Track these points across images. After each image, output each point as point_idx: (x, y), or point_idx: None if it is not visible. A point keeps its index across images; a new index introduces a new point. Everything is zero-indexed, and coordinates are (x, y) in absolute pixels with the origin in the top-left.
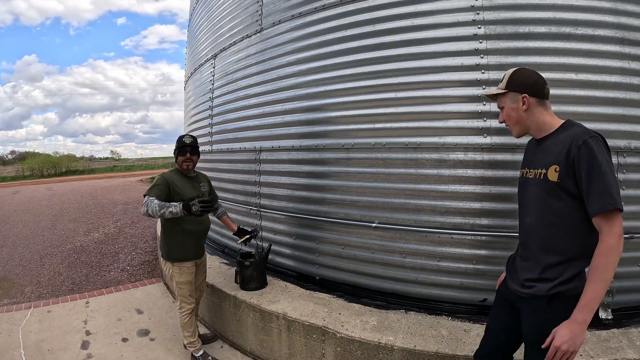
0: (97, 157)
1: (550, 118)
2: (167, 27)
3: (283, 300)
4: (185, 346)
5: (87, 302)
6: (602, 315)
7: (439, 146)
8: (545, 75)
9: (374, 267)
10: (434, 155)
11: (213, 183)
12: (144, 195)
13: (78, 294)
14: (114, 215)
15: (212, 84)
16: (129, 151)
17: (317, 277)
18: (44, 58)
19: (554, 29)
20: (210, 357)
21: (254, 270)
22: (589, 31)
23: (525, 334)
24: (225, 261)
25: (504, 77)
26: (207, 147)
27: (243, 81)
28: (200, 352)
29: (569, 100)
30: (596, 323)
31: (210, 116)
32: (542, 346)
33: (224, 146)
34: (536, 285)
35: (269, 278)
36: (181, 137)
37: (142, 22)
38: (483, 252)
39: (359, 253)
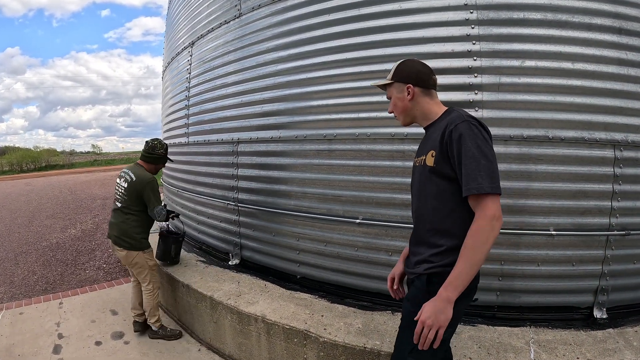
0: (78, 151)
1: (437, 107)
2: (151, 19)
3: (262, 301)
4: (152, 329)
5: (60, 303)
6: (597, 314)
7: None
8: (540, 63)
9: (358, 266)
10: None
11: (189, 177)
12: (156, 207)
13: (52, 294)
14: (92, 211)
15: (189, 73)
16: (111, 145)
17: (298, 276)
18: (26, 50)
19: (549, 16)
20: (168, 328)
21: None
22: (586, 19)
23: (403, 313)
24: (202, 259)
25: (392, 68)
26: (183, 139)
27: (221, 69)
28: (161, 326)
29: (565, 90)
30: (591, 323)
31: (187, 106)
32: (415, 318)
33: (200, 138)
34: (420, 265)
35: (248, 276)
36: (167, 147)
37: (127, 14)
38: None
39: (342, 251)
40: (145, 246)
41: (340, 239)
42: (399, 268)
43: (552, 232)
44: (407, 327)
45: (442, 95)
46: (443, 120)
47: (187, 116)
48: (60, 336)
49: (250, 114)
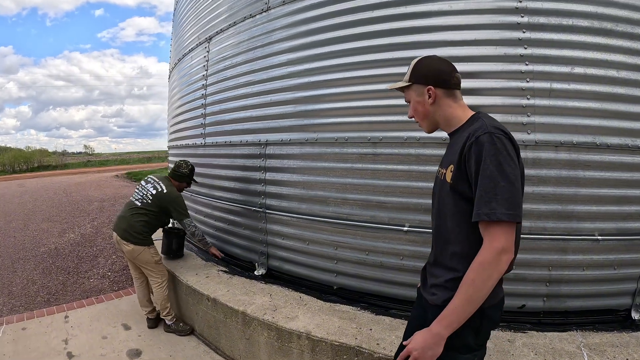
0: (70, 151)
1: (461, 111)
2: (145, 19)
3: (302, 315)
4: (166, 323)
5: (66, 317)
6: (635, 316)
7: None
8: (589, 70)
9: (403, 275)
10: None
11: (206, 180)
12: (183, 220)
13: (55, 306)
14: (90, 214)
15: (206, 70)
16: (103, 145)
17: (335, 287)
18: (19, 50)
19: (596, 24)
20: (181, 322)
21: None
22: (629, 28)
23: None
24: (223, 268)
25: (408, 68)
26: (199, 141)
27: (245, 66)
28: (175, 320)
29: (611, 98)
30: (629, 324)
31: (204, 105)
32: (404, 343)
33: (220, 139)
34: (437, 293)
35: (279, 288)
36: (194, 168)
37: (120, 14)
38: (525, 255)
39: (386, 260)
40: (149, 242)
41: (385, 247)
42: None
43: (598, 237)
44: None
45: (494, 100)
46: (467, 129)
47: (204, 116)
48: (70, 355)
49: (281, 114)
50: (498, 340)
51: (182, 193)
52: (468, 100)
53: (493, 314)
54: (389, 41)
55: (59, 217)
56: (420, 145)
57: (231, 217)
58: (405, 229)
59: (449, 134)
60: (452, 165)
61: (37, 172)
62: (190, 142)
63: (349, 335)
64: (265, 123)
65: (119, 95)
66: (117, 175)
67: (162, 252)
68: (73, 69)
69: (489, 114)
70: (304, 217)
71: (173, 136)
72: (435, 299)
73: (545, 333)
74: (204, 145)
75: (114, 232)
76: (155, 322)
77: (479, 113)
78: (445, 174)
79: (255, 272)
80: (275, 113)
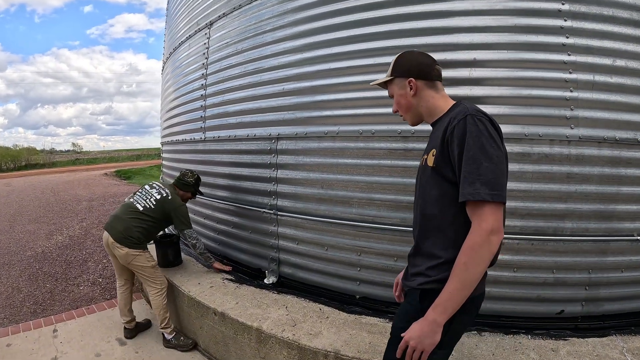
0: (58, 149)
1: (443, 101)
2: (135, 15)
3: (325, 330)
4: (165, 337)
5: (54, 330)
6: None
7: (522, 137)
8: (630, 63)
9: None
10: (517, 148)
11: (207, 179)
12: (184, 230)
13: (43, 318)
14: (79, 214)
15: (206, 58)
16: (91, 143)
17: (358, 297)
18: (7, 46)
19: (635, 16)
20: (182, 336)
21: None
22: None
23: (392, 326)
24: (228, 277)
25: (390, 63)
26: (198, 135)
27: (253, 52)
28: (175, 333)
29: None
30: None
31: (204, 97)
32: (402, 334)
33: (223, 133)
34: (416, 278)
35: (294, 298)
36: (199, 178)
37: (110, 10)
38: (565, 258)
39: None
40: (145, 246)
41: None
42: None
43: (637, 237)
44: (393, 343)
45: (537, 92)
46: (448, 115)
47: (204, 108)
48: None
49: (296, 104)
50: (542, 350)
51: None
52: (512, 91)
53: (478, 304)
54: (429, 24)
55: (46, 217)
56: None
57: (236, 220)
58: None
59: (431, 124)
60: (434, 150)
61: (25, 170)
62: (187, 137)
63: (382, 353)
64: (277, 115)
65: (107, 92)
66: (106, 174)
67: (159, 265)
68: (61, 66)
69: (532, 106)
70: (322, 219)
71: (167, 131)
72: (411, 283)
73: (587, 339)
74: (204, 141)
75: (105, 232)
76: (132, 332)
77: (461, 101)
78: (427, 159)
79: (265, 281)
80: (288, 104)
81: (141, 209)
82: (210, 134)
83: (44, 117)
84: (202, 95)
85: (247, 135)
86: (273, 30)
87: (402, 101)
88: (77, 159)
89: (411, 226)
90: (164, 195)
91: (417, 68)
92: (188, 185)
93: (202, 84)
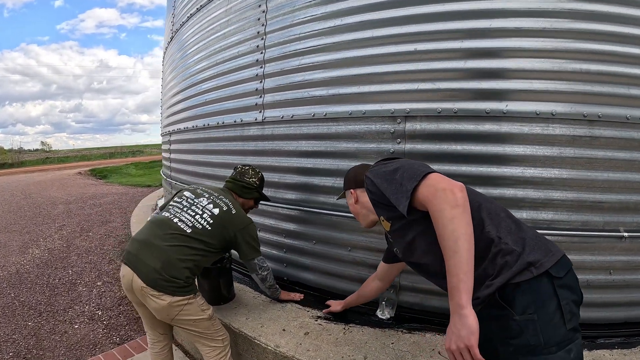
0: (26, 149)
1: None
2: (106, 10)
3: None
4: None
5: None
6: None
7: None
8: None
9: (611, 293)
10: None
11: (271, 176)
12: (255, 259)
13: None
14: (56, 220)
15: (264, 12)
16: (60, 142)
17: None
18: None
19: None
20: None
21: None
22: None
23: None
24: (317, 313)
25: None
26: (250, 116)
27: None
28: None
29: None
30: None
31: (260, 62)
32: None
33: (301, 111)
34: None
35: None
36: (263, 179)
37: (80, 5)
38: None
39: (593, 277)
40: (195, 289)
41: (592, 261)
42: None
43: None
44: None
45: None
46: None
47: (261, 77)
48: None
49: (442, 70)
50: None
51: None
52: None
53: (562, 276)
54: None
55: (18, 225)
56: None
57: (319, 232)
58: (626, 234)
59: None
60: (381, 217)
61: None
62: (229, 119)
63: None
64: (406, 85)
65: (77, 89)
66: (80, 173)
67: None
68: (30, 62)
69: None
70: None
71: (178, 117)
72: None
73: None
74: (262, 123)
75: (125, 268)
76: None
77: None
78: (389, 225)
79: (379, 314)
80: (426, 69)
81: (189, 230)
82: (271, 114)
83: (12, 115)
84: (257, 60)
85: (351, 113)
86: None
87: (352, 210)
88: (47, 157)
89: (593, 230)
90: (225, 208)
91: (353, 179)
92: (250, 188)
93: (258, 45)
